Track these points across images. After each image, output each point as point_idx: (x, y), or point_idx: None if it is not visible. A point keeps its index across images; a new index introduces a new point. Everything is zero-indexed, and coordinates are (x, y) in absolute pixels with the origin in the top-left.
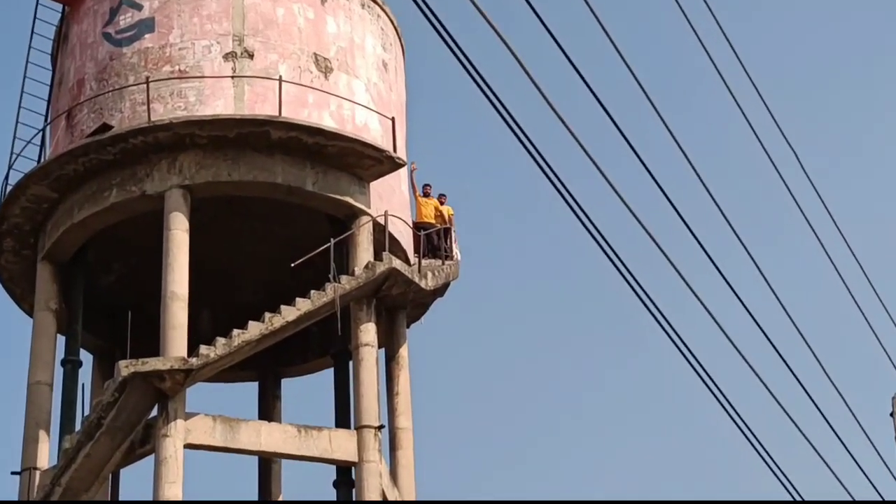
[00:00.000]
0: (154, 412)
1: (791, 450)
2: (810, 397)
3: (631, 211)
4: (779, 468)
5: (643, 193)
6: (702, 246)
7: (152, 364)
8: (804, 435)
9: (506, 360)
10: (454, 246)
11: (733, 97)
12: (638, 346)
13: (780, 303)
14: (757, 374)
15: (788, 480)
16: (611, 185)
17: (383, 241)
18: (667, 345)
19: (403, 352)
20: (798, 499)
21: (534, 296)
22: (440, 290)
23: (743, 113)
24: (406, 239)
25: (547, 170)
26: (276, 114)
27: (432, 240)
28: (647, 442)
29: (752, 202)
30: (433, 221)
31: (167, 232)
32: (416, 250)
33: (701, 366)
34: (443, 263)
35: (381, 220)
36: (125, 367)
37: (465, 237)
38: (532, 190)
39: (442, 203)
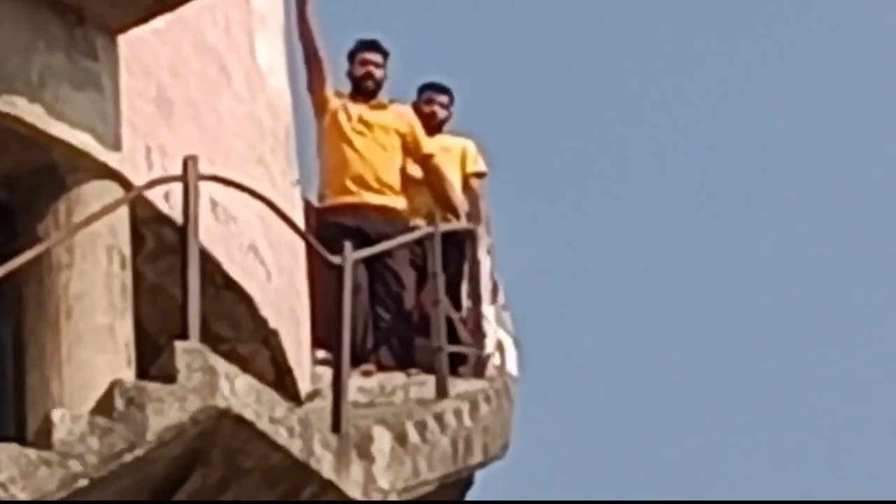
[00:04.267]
0: None
1: None
2: None
3: None
4: None
5: None
6: None
7: None
8: None
9: None
10: (503, 316)
11: None
12: None
13: None
14: None
15: None
16: None
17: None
18: None
19: None
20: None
21: None
22: None
23: None
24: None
25: None
26: None
27: (391, 288)
28: None
29: None
30: (392, 203)
31: None
32: (328, 344)
33: None
34: (439, 391)
35: (159, 202)
36: None
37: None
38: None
39: (432, 116)
